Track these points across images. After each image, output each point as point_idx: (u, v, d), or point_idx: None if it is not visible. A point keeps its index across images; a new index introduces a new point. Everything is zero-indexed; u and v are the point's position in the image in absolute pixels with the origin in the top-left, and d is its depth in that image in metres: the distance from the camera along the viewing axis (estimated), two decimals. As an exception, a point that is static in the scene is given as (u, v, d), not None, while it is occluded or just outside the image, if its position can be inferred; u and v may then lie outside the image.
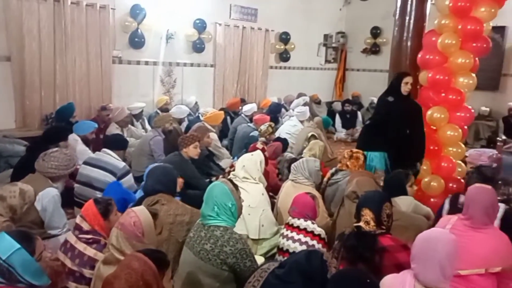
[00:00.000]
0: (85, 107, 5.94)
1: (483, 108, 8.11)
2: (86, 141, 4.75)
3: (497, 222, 2.79)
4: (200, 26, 7.31)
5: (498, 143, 4.87)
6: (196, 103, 7.17)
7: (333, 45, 10.42)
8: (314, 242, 2.73)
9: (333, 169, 4.04)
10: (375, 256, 2.21)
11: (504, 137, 5.78)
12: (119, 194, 3.08)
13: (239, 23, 8.05)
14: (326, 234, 2.89)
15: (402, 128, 3.96)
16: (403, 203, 3.31)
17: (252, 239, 3.13)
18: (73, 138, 4.63)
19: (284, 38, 9.02)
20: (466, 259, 2.23)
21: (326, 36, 10.24)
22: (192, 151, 4.07)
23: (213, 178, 4.23)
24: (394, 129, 3.94)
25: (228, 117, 6.72)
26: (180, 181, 3.17)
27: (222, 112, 6.19)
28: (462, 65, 4.07)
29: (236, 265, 2.23)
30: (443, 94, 4.16)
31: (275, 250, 3.06)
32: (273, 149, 4.79)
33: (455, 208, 2.87)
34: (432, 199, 4.09)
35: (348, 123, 8.89)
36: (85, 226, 2.39)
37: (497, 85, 8.31)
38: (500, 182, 4.50)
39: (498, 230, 2.40)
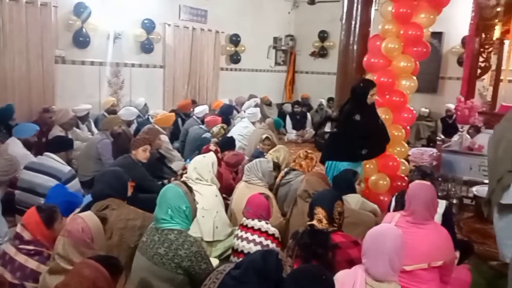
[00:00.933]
0: (25, 109, 5.64)
1: (423, 109, 8.58)
2: (27, 145, 4.48)
3: (438, 217, 2.97)
4: (149, 26, 7.17)
5: (438, 142, 5.17)
6: (145, 104, 7.02)
7: (283, 47, 10.60)
8: (269, 241, 2.76)
9: (287, 169, 4.11)
10: (328, 253, 2.28)
11: (442, 137, 6.15)
12: (63, 197, 2.95)
13: (189, 24, 7.98)
14: (280, 234, 2.93)
15: (369, 142, 4.02)
16: (352, 200, 3.44)
17: (207, 242, 3.12)
18: (13, 141, 4.37)
19: (235, 40, 9.05)
20: (410, 255, 2.32)
21: (275, 39, 10.40)
22: (141, 154, 3.98)
23: (166, 181, 4.15)
24: (361, 145, 4.00)
25: (179, 119, 6.63)
26: (130, 185, 3.09)
27: (173, 114, 6.10)
28: (404, 69, 4.29)
29: (191, 268, 2.20)
30: (387, 96, 4.36)
31: (229, 251, 3.06)
32: (236, 159, 4.68)
33: (401, 205, 3.02)
34: (381, 197, 4.27)
35: (298, 124, 9.08)
36: (27, 235, 2.24)
37: (436, 88, 8.83)
38: (440, 179, 4.79)
39: (438, 225, 2.54)
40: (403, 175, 4.49)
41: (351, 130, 3.95)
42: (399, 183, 4.39)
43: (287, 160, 4.23)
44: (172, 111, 6.71)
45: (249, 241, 2.78)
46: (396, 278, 1.77)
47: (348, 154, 3.97)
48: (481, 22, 5.35)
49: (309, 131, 9.00)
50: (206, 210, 3.13)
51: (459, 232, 4.21)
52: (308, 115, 9.27)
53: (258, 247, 2.70)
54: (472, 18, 5.36)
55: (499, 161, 3.30)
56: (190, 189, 2.41)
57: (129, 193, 2.96)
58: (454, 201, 4.70)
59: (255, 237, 2.77)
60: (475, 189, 4.63)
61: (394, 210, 3.09)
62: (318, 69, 10.46)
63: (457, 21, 7.38)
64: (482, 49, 5.58)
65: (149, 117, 6.31)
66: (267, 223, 2.84)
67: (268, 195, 3.20)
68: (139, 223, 2.61)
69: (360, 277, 1.78)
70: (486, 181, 4.48)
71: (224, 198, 3.68)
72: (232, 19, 8.84)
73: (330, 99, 9.12)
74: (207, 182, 3.31)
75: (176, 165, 5.06)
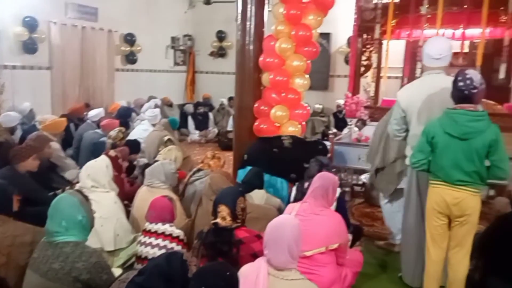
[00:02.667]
0: None
1: (317, 106, 9.13)
2: None
3: (333, 204, 3.21)
4: (31, 24, 6.56)
5: (330, 136, 5.54)
6: (31, 110, 6.39)
7: (181, 47, 10.47)
8: (174, 244, 2.72)
9: (194, 169, 4.09)
10: (232, 249, 2.33)
11: (334, 130, 6.62)
12: None
13: (78, 23, 7.47)
14: (186, 235, 2.91)
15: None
16: (257, 196, 3.56)
17: (108, 251, 2.97)
18: None
19: (130, 39, 8.72)
20: (309, 241, 2.49)
21: (173, 39, 10.24)
22: (30, 163, 3.66)
23: (59, 191, 3.85)
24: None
25: (72, 124, 6.17)
26: (16, 198, 2.81)
27: (64, 119, 5.67)
28: (297, 67, 4.53)
29: (91, 280, 2.08)
30: (283, 94, 4.56)
31: (133, 259, 2.95)
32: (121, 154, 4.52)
33: (300, 194, 3.21)
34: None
35: (201, 124, 9.07)
36: None
37: (327, 85, 9.47)
38: (334, 170, 5.15)
39: (332, 211, 2.75)
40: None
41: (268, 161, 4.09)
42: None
43: (180, 160, 4.21)
44: (63, 116, 6.22)
45: (153, 246, 2.71)
46: (295, 265, 1.86)
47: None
48: (363, 23, 5.87)
49: (212, 130, 9.04)
50: (105, 219, 2.97)
51: (351, 217, 4.58)
52: (210, 115, 9.31)
53: (164, 251, 2.64)
54: (355, 20, 5.86)
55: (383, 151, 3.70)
56: (85, 197, 2.28)
57: (16, 207, 2.70)
58: (347, 189, 5.09)
59: (159, 241, 2.72)
60: (363, 177, 5.08)
61: (295, 199, 3.27)
62: (218, 69, 10.54)
63: (342, 23, 7.96)
64: (364, 49, 6.11)
65: (36, 123, 5.78)
66: (171, 226, 2.80)
67: (172, 197, 3.15)
68: (29, 239, 2.39)
69: (263, 268, 1.84)
70: None
71: (126, 205, 3.54)
72: (125, 18, 8.49)
73: (231, 98, 9.26)
74: (104, 189, 3.14)
75: (70, 174, 4.72)
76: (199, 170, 3.95)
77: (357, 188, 5.27)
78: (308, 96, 5.29)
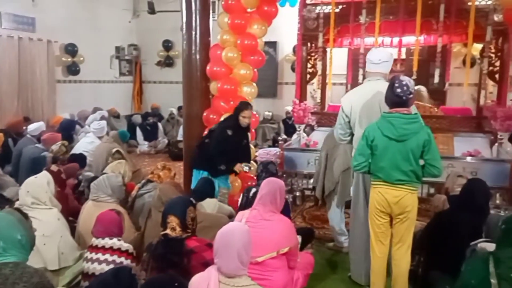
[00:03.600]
0: None
1: (267, 113, 9.26)
2: None
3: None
4: (-38, 35, 6.18)
5: (280, 142, 5.63)
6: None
7: (126, 57, 10.26)
8: (122, 259, 2.64)
9: (143, 181, 4.01)
10: (183, 260, 2.30)
11: (284, 136, 6.73)
12: None
13: (14, 33, 7.12)
14: (135, 248, 2.84)
15: (237, 155, 4.24)
16: (208, 205, 3.54)
17: (52, 270, 2.82)
18: None
19: (71, 50, 8.43)
20: (260, 247, 2.51)
21: (118, 49, 10.01)
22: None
23: (-3, 211, 3.62)
24: (230, 157, 4.19)
25: (10, 139, 5.84)
26: None
27: (0, 134, 5.35)
28: (245, 76, 4.58)
29: (33, 302, 1.98)
30: (232, 102, 4.59)
31: (80, 277, 2.83)
32: (68, 170, 4.37)
33: (246, 199, 3.24)
34: (235, 198, 4.45)
35: (150, 135, 8.90)
36: None
37: (275, 93, 9.63)
38: (284, 175, 5.24)
39: (282, 216, 2.78)
40: (252, 175, 4.78)
41: (221, 142, 4.11)
42: (249, 183, 4.66)
43: (129, 174, 4.13)
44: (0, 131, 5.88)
45: (100, 262, 2.62)
46: (246, 272, 1.87)
47: (209, 166, 4.18)
48: (306, 32, 6.03)
49: (162, 141, 8.90)
50: (48, 237, 2.83)
51: (302, 220, 4.68)
52: (160, 125, 9.15)
53: (112, 266, 2.56)
54: (298, 29, 6.01)
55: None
56: (25, 215, 2.16)
57: None
58: (297, 193, 5.20)
59: (107, 256, 2.63)
60: (313, 181, 5.21)
61: (242, 205, 3.29)
62: (166, 78, 10.42)
63: (287, 32, 8.17)
64: (309, 57, 6.28)
65: (-30, 139, 5.42)
66: (119, 240, 2.72)
67: (119, 210, 3.06)
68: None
69: (213, 277, 1.84)
70: None
71: (71, 221, 3.40)
72: (65, 28, 8.19)
73: (180, 108, 9.16)
74: (46, 206, 3.00)
75: (9, 192, 4.45)
76: (148, 181, 3.88)
77: (307, 192, 5.38)
78: (257, 104, 5.37)
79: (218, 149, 4.12)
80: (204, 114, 4.64)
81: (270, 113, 9.33)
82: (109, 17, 9.44)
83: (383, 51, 3.22)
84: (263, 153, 6.86)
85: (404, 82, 2.70)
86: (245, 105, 4.21)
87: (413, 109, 2.90)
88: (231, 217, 3.49)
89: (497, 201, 4.55)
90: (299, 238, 3.14)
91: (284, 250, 2.62)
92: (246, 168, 4.31)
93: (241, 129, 4.21)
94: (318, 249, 3.88)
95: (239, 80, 4.60)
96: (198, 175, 4.24)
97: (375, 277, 2.93)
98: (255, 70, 4.74)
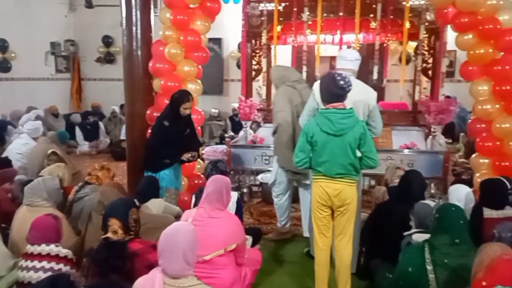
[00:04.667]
0: None
1: (213, 110, 9.20)
2: None
3: (233, 206, 3.26)
4: None
5: (226, 139, 5.63)
6: None
7: (63, 53, 9.77)
8: (61, 265, 2.50)
9: (81, 183, 3.81)
10: (126, 263, 2.22)
11: (231, 134, 6.72)
12: None
13: None
14: (75, 254, 2.71)
15: (181, 147, 4.03)
16: (154, 206, 3.45)
17: (-17, 283, 2.63)
18: None
19: (1, 45, 7.88)
20: (207, 245, 2.49)
21: (53, 44, 9.49)
22: None
23: None
24: (173, 150, 3.98)
25: None
26: None
27: None
28: (189, 73, 4.50)
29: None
30: (176, 100, 4.49)
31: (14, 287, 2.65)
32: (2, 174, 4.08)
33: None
34: (182, 197, 4.38)
35: (91, 135, 8.53)
36: None
37: (221, 89, 9.60)
38: (232, 172, 5.24)
39: (229, 213, 2.78)
40: (199, 173, 4.73)
41: (159, 135, 3.95)
42: (196, 181, 4.60)
43: (68, 176, 3.92)
44: None
45: (37, 270, 2.46)
46: (192, 271, 1.84)
47: (153, 162, 3.97)
48: (251, 29, 6.05)
49: (104, 141, 8.56)
50: (-24, 246, 2.63)
51: (250, 216, 4.71)
52: (101, 124, 8.79)
53: (49, 274, 2.42)
54: (243, 25, 6.01)
55: None
56: None
57: None
58: (245, 190, 5.22)
59: (44, 263, 2.47)
60: (260, 177, 5.25)
61: (195, 206, 3.24)
62: (107, 75, 10.01)
63: (232, 28, 8.14)
64: (254, 54, 6.32)
65: None
66: (57, 246, 2.57)
67: (57, 215, 2.90)
68: None
69: (158, 279, 1.79)
70: (269, 168, 5.06)
71: (4, 228, 3.18)
72: (-5, 22, 7.65)
73: (123, 106, 8.85)
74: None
75: None
76: (86, 183, 3.70)
77: (254, 188, 5.41)
78: (203, 101, 5.30)
79: (157, 142, 3.93)
80: (148, 112, 4.51)
81: (217, 110, 9.28)
82: (44, 11, 8.92)
83: (355, 51, 3.49)
84: (209, 150, 6.83)
85: (343, 75, 2.82)
86: (186, 96, 3.95)
87: (379, 113, 3.21)
88: (177, 217, 3.42)
89: (432, 191, 4.84)
90: (250, 239, 3.16)
91: (232, 247, 2.61)
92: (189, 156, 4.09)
93: (180, 118, 3.95)
94: (265, 244, 3.91)
95: (183, 77, 4.51)
96: None
97: (319, 268, 2.99)
98: (200, 67, 4.67)
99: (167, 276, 1.79)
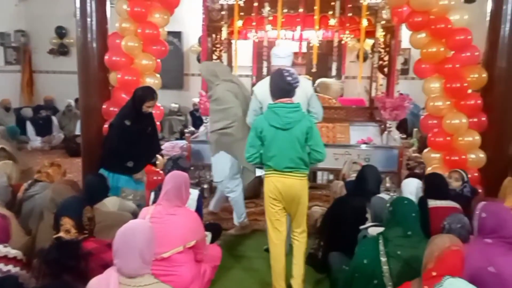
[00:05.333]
0: None
1: (173, 105, 9.05)
2: None
3: (193, 204, 3.23)
4: None
5: (186, 134, 5.55)
6: None
7: (13, 44, 9.26)
8: (10, 267, 2.37)
9: (30, 181, 3.63)
10: (80, 263, 2.15)
11: (192, 129, 6.65)
12: None
13: None
14: (26, 255, 2.58)
15: (145, 147, 3.90)
16: (109, 203, 3.35)
17: None
18: None
19: None
20: (166, 242, 2.47)
21: (2, 35, 9.01)
22: None
23: None
24: (135, 150, 3.83)
25: None
26: None
27: None
28: (147, 66, 4.40)
29: None
30: (133, 94, 4.38)
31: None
32: None
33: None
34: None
35: (43, 130, 8.16)
36: None
37: (182, 84, 9.45)
38: (192, 168, 5.18)
39: (188, 209, 2.76)
40: (158, 169, 4.64)
41: (120, 135, 3.80)
42: (155, 178, 4.51)
43: (16, 174, 3.73)
44: None
45: (-17, 273, 2.34)
46: (149, 270, 1.81)
47: (114, 164, 3.81)
48: (211, 23, 5.99)
49: (57, 136, 8.21)
50: None
51: (210, 212, 4.67)
52: (54, 118, 8.41)
53: (-3, 277, 2.31)
54: (203, 19, 5.94)
55: None
56: None
57: None
58: (205, 186, 5.18)
59: (-9, 266, 2.35)
60: (221, 173, 5.22)
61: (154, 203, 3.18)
62: (61, 68, 9.56)
63: (193, 22, 8.00)
64: (214, 48, 6.26)
65: None
66: (5, 247, 2.44)
67: (5, 214, 2.76)
68: None
69: (113, 278, 1.74)
70: None
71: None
72: None
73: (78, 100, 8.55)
74: None
75: None
76: (36, 181, 3.53)
77: (215, 184, 5.37)
78: (163, 96, 5.17)
79: (118, 143, 3.78)
80: (104, 106, 4.37)
81: (177, 105, 9.13)
82: (-9, -1, 8.43)
83: (287, 47, 3.56)
84: (169, 146, 6.73)
85: (291, 71, 2.90)
86: (150, 94, 3.80)
87: (317, 100, 3.41)
88: (134, 214, 3.34)
89: (387, 184, 5.00)
90: (209, 235, 3.14)
91: (191, 244, 2.60)
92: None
93: (142, 116, 3.81)
94: (225, 240, 3.90)
95: (141, 70, 4.40)
96: (106, 174, 3.89)
97: (275, 262, 3.01)
98: (159, 60, 4.57)
99: (123, 275, 1.75)
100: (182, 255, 2.54)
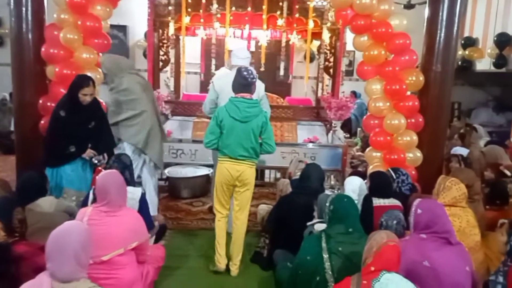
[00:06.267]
0: None
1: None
2: None
3: (136, 203, 3.12)
4: None
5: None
6: None
7: None
8: None
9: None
10: (10, 268, 2.01)
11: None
12: None
13: None
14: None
15: (81, 140, 3.64)
16: (44, 203, 3.14)
17: None
18: None
19: None
20: (106, 244, 2.36)
21: None
22: None
23: None
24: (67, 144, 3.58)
25: None
26: None
27: None
28: (87, 60, 4.20)
29: None
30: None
31: None
32: None
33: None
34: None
35: (-27, 126, 7.59)
36: None
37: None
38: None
39: (129, 209, 2.65)
40: (101, 168, 4.45)
41: (54, 126, 3.59)
42: (97, 176, 4.33)
43: None
44: None
45: None
46: (84, 274, 1.72)
47: (54, 157, 3.58)
48: (157, 18, 5.84)
49: (-10, 132, 7.66)
50: None
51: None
52: (-15, 114, 7.86)
53: None
54: (149, 14, 5.77)
55: None
56: None
57: None
58: (151, 184, 5.03)
59: None
60: (167, 171, 5.13)
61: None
62: (-6, 59, 8.95)
63: (139, 16, 7.78)
64: (161, 44, 6.10)
65: None
66: None
67: None
68: None
69: (45, 283, 1.65)
70: (178, 162, 5.25)
71: None
72: None
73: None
74: None
75: None
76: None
77: (161, 183, 5.26)
78: (105, 91, 4.96)
79: (53, 135, 3.56)
80: (40, 101, 4.12)
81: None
82: None
83: (246, 49, 4.30)
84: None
85: (248, 68, 3.31)
86: (84, 81, 3.57)
87: (267, 100, 3.97)
88: (72, 215, 3.18)
89: (332, 182, 5.14)
90: (153, 238, 3.06)
91: (133, 245, 2.50)
92: (95, 160, 3.69)
93: (80, 108, 3.55)
94: (171, 240, 3.82)
95: (81, 64, 4.19)
96: (49, 173, 3.63)
97: (218, 229, 3.36)
98: (101, 54, 4.38)
99: (56, 280, 1.66)
100: (123, 257, 2.44)
